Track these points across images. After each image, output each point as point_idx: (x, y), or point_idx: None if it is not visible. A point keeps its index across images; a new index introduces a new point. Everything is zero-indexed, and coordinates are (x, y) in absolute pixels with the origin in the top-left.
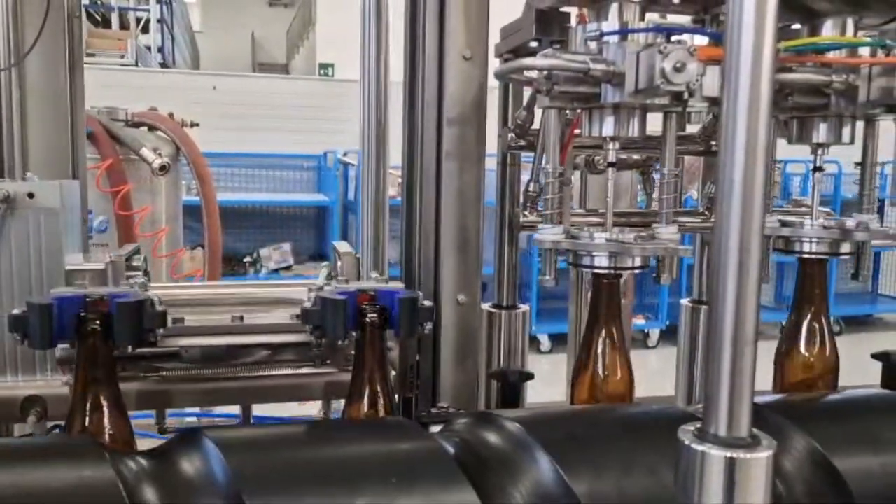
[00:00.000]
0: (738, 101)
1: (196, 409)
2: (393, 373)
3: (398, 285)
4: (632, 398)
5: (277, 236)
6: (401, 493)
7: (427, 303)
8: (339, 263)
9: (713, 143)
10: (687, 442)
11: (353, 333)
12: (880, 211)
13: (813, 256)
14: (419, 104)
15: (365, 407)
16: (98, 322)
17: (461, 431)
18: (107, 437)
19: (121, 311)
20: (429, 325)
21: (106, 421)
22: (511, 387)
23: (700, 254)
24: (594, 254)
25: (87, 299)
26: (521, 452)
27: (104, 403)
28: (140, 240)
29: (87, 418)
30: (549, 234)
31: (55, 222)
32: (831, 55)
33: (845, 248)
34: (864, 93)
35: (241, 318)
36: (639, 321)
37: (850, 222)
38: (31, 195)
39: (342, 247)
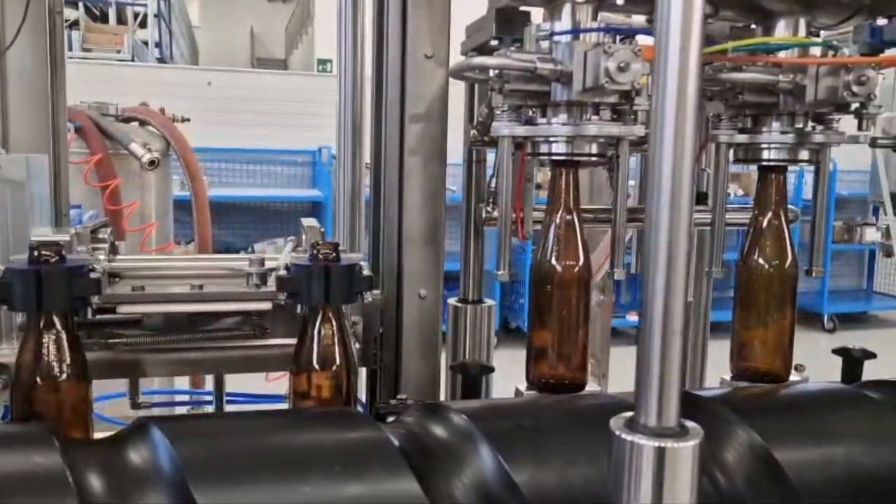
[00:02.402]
0: (665, 101)
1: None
2: (357, 345)
3: (356, 256)
4: (589, 280)
5: (272, 231)
6: (344, 481)
7: (367, 273)
8: (304, 237)
9: None
10: (617, 432)
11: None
12: (875, 212)
13: (772, 163)
14: (384, 101)
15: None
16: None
17: (409, 422)
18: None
19: (49, 278)
20: (368, 295)
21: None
22: (471, 379)
23: None
24: (551, 139)
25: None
26: (465, 443)
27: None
28: (129, 234)
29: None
30: (507, 125)
31: (21, 195)
32: (782, 55)
33: (804, 154)
34: (812, 92)
35: (201, 287)
36: (633, 317)
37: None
38: None
39: (308, 222)
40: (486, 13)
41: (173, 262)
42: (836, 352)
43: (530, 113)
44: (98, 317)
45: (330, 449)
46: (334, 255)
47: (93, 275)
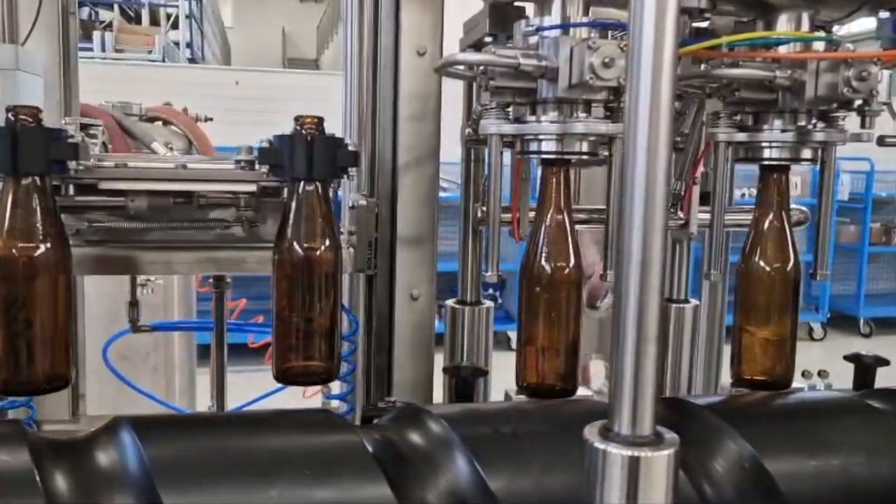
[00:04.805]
0: (639, 100)
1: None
2: (352, 250)
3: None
4: (580, 282)
5: None
6: (314, 485)
7: (352, 148)
8: None
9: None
10: (590, 440)
11: None
12: None
13: (773, 163)
14: (378, 99)
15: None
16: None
17: (387, 426)
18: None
19: (24, 137)
20: (362, 199)
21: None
22: (462, 382)
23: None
24: (540, 137)
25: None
26: (442, 448)
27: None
28: None
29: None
30: (494, 122)
31: (12, 83)
32: (782, 50)
33: (806, 153)
34: (812, 88)
35: (185, 167)
36: None
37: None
38: None
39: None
40: (482, 9)
41: (164, 161)
42: (848, 358)
43: (524, 110)
44: (80, 197)
45: (301, 452)
46: (318, 130)
47: (71, 140)
